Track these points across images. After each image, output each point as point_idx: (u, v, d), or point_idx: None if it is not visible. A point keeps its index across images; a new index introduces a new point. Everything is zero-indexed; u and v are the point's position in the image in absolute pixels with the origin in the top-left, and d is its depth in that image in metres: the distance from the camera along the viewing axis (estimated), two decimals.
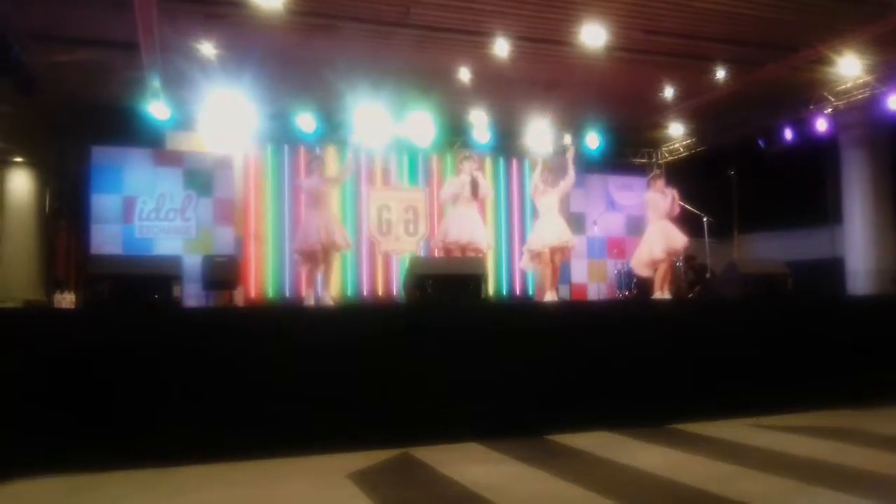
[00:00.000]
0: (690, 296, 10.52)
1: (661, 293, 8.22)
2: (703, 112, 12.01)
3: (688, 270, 10.91)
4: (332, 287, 8.51)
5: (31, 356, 4.11)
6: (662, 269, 8.31)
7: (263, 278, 11.37)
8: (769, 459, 4.13)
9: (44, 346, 4.16)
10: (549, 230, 8.20)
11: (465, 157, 8.38)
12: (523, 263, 8.96)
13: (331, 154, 10.37)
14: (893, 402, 5.60)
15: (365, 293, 11.88)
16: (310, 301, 7.99)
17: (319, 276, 7.98)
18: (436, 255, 8.65)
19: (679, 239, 8.28)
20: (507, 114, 11.62)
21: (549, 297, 8.09)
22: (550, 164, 8.40)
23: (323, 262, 7.86)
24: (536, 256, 8.34)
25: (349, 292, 11.78)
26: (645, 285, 10.72)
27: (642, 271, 8.63)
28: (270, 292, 11.33)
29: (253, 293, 11.18)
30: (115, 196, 10.41)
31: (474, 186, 7.92)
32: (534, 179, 8.45)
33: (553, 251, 8.19)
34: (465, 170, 8.08)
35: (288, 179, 11.51)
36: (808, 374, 5.70)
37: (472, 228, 7.92)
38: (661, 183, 8.58)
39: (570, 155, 8.49)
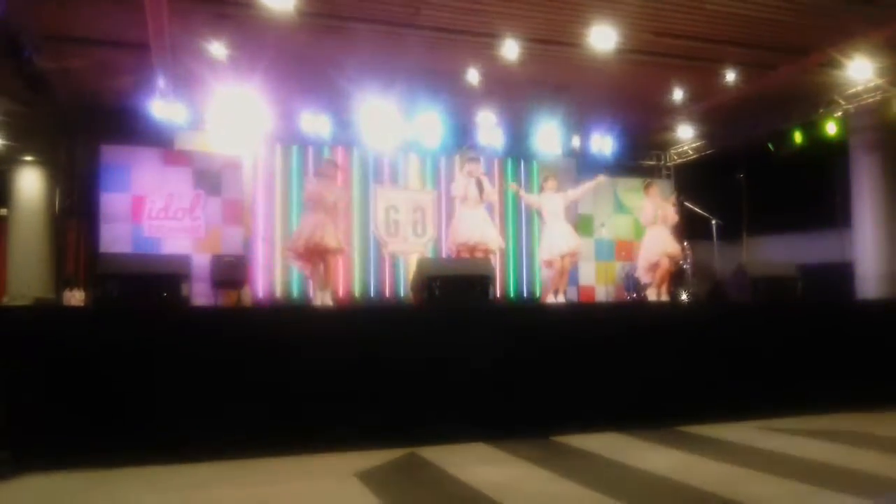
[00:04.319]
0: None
1: (658, 296, 8.45)
2: (713, 115, 11.98)
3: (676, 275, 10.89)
4: (333, 287, 8.53)
5: (42, 354, 4.13)
6: (661, 272, 8.54)
7: (271, 278, 11.39)
8: (778, 462, 4.11)
9: (54, 344, 4.18)
10: (558, 238, 8.36)
11: (471, 158, 8.40)
12: (543, 275, 9.16)
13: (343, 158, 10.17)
14: None
15: (371, 294, 11.91)
16: (317, 301, 8.01)
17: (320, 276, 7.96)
18: (445, 255, 8.70)
19: (672, 244, 8.70)
20: (516, 115, 11.61)
21: (557, 299, 8.13)
22: (555, 171, 8.59)
23: (321, 263, 7.84)
24: (549, 264, 8.47)
25: (370, 292, 11.87)
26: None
27: (644, 275, 8.99)
28: (279, 292, 11.35)
29: (261, 293, 11.21)
30: (125, 195, 10.43)
31: (480, 188, 7.93)
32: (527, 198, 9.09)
33: (563, 256, 8.28)
34: (470, 171, 8.09)
35: (297, 180, 11.53)
36: (817, 378, 5.66)
37: (481, 229, 7.92)
38: (654, 190, 8.92)
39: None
